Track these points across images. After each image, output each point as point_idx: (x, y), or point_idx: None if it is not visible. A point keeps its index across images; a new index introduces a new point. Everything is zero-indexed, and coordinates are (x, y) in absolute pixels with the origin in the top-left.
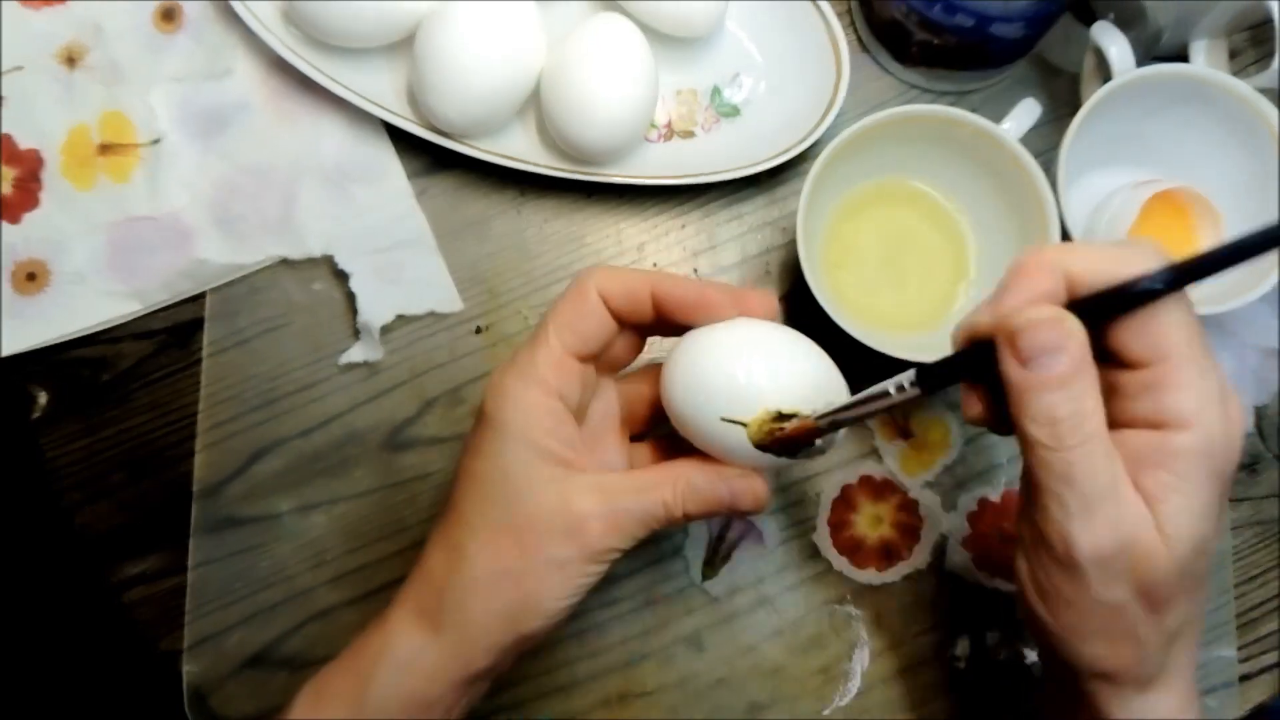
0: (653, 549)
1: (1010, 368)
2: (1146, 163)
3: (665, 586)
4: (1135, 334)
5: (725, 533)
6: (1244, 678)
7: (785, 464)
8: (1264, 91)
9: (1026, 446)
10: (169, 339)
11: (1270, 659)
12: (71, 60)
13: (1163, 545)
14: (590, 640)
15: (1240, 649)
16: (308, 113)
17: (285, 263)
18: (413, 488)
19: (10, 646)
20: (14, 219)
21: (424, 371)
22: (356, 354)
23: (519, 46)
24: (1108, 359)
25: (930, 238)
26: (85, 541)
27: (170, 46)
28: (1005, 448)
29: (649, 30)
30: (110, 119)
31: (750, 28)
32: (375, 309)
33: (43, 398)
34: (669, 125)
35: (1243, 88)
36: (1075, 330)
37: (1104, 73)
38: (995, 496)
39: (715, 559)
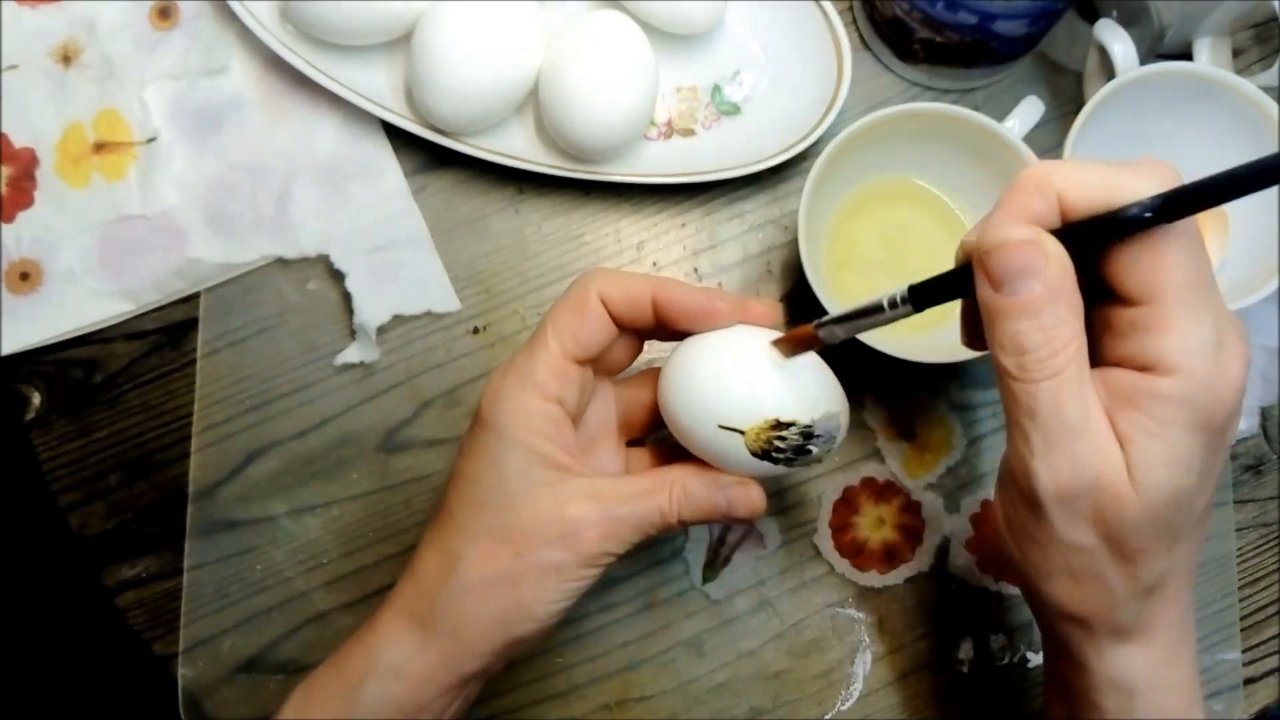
0: (652, 552)
1: (983, 290)
2: None
3: (665, 590)
4: (1130, 268)
5: (726, 535)
6: (1248, 681)
7: (782, 473)
8: (1267, 90)
9: (997, 375)
10: (162, 339)
11: (1274, 662)
12: (67, 58)
13: (1131, 491)
14: (589, 644)
15: (1244, 652)
16: (304, 110)
17: (280, 262)
18: (409, 490)
19: (4, 650)
20: (8, 218)
21: (420, 372)
22: (352, 354)
23: (517, 44)
24: (1109, 293)
25: (933, 236)
26: (79, 544)
27: (166, 44)
28: None
29: (649, 27)
30: (105, 117)
31: (751, 25)
32: (371, 309)
33: (36, 399)
34: (669, 123)
35: (1246, 86)
36: (1054, 254)
37: (1107, 71)
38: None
39: (716, 562)
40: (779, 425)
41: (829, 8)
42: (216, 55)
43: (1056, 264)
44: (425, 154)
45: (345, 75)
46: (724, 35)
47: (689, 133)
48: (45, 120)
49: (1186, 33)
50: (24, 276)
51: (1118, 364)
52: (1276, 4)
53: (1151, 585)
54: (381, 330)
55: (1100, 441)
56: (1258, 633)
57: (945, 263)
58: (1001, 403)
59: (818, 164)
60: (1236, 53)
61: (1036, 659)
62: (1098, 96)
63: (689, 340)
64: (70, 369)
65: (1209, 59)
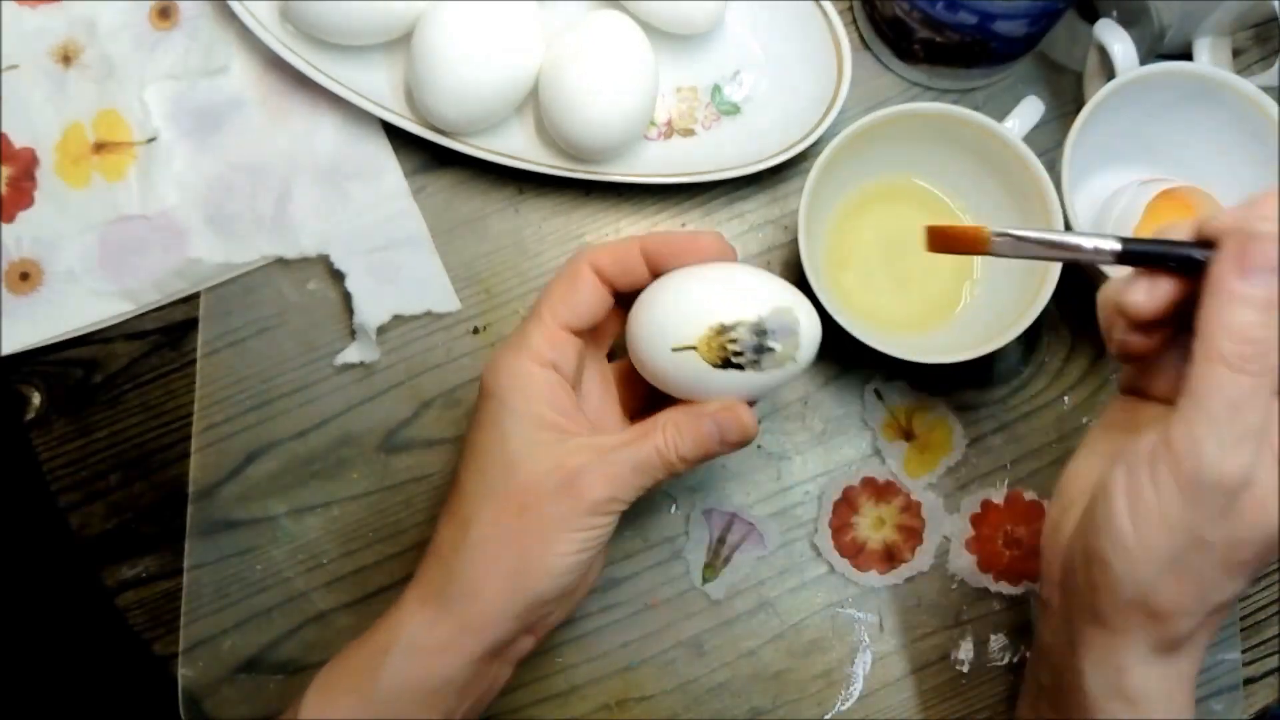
0: (652, 552)
1: (1226, 271)
2: (1150, 161)
3: (665, 590)
4: None
5: (726, 535)
6: (1248, 681)
7: (764, 385)
8: (1267, 90)
9: (1203, 357)
10: (162, 339)
11: (1274, 662)
12: (67, 58)
13: (1274, 505)
14: (589, 644)
15: (1244, 652)
16: (304, 110)
17: (280, 262)
18: (409, 490)
19: (4, 650)
20: (8, 218)
21: (420, 372)
22: (352, 354)
23: (517, 43)
24: None
25: None
26: (79, 544)
27: (166, 44)
28: (1008, 449)
29: (649, 27)
30: (105, 117)
31: (751, 25)
32: (371, 309)
33: (36, 399)
34: (669, 123)
35: (1246, 86)
36: None
37: (1107, 71)
38: (998, 498)
39: (715, 561)
40: (724, 329)
41: (829, 8)
42: (216, 55)
43: None
44: (425, 154)
45: (345, 75)
46: (724, 35)
47: (689, 133)
48: (45, 120)
49: (1186, 33)
50: (24, 276)
51: None
52: (1276, 4)
53: (1223, 604)
54: (381, 330)
55: (1268, 452)
56: (1258, 633)
57: (947, 262)
58: (1186, 382)
59: (818, 164)
60: (1236, 53)
61: None
62: (1098, 96)
63: (647, 286)
64: (70, 369)
65: (1209, 59)
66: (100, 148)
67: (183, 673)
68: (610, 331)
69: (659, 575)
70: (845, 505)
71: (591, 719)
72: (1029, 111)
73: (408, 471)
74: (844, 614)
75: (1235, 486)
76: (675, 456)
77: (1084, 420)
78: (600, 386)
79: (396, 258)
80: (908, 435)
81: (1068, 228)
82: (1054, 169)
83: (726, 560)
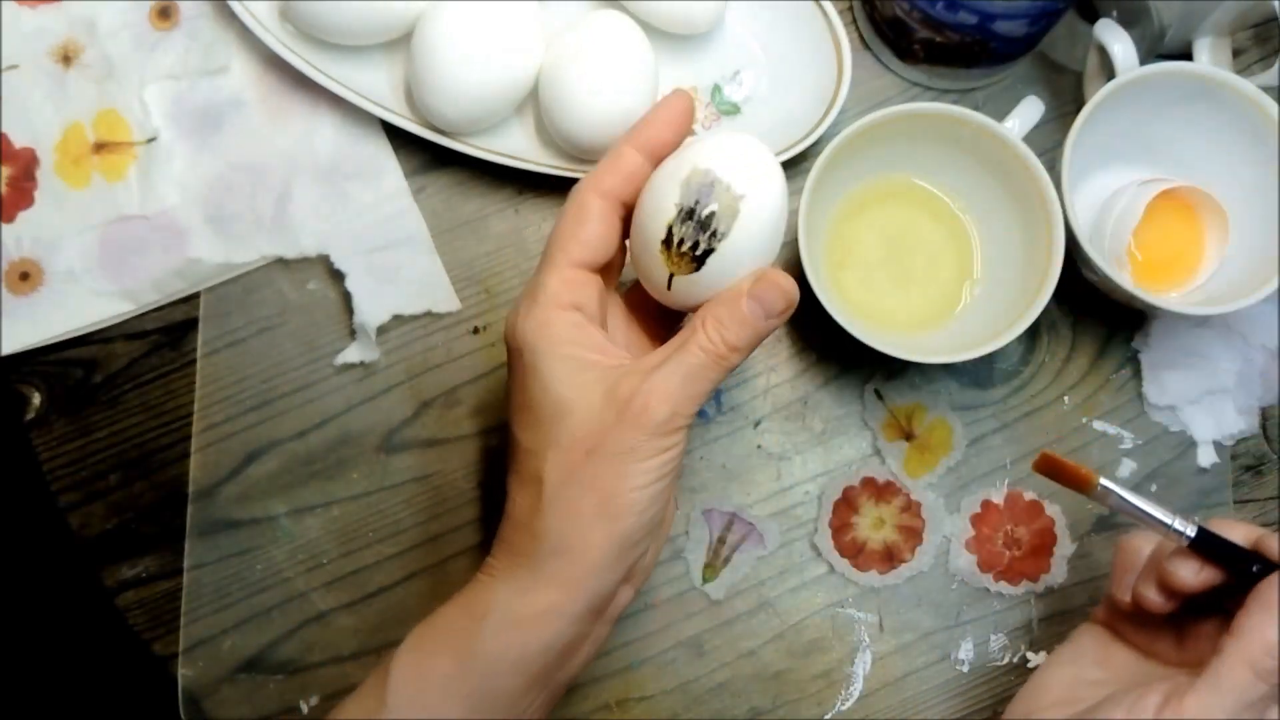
0: None
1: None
2: (1151, 161)
3: (665, 589)
4: None
5: (726, 535)
6: None
7: (750, 244)
8: (1267, 90)
9: (1235, 655)
10: (162, 339)
11: None
12: (67, 58)
13: None
14: None
15: None
16: (303, 110)
17: (280, 262)
18: (409, 490)
19: (4, 650)
20: (8, 218)
21: (420, 372)
22: (352, 354)
23: (517, 43)
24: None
25: (934, 236)
26: (79, 544)
27: (166, 44)
28: (1008, 449)
29: (649, 27)
30: (105, 117)
31: (751, 25)
32: (371, 309)
33: (36, 399)
34: None
35: (1246, 86)
36: None
37: (1107, 71)
38: (998, 498)
39: (715, 561)
40: (669, 238)
41: (829, 8)
42: (216, 55)
43: None
44: (425, 154)
45: (345, 75)
46: (724, 35)
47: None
48: (45, 120)
49: (1186, 33)
50: (24, 276)
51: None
52: (1276, 4)
53: None
54: (381, 330)
55: None
56: None
57: (947, 263)
58: (1213, 665)
59: (818, 164)
60: (1236, 53)
61: (1036, 659)
62: (1098, 96)
63: None
64: (70, 369)
65: (1209, 59)
66: (100, 148)
67: (183, 673)
68: (618, 264)
69: (659, 575)
70: (845, 505)
71: (591, 719)
72: (1029, 111)
73: (408, 471)
74: (844, 614)
75: None
76: (725, 348)
77: (1084, 420)
78: (623, 320)
79: (396, 258)
80: (908, 435)
81: (1068, 227)
82: (1054, 169)
83: (726, 560)
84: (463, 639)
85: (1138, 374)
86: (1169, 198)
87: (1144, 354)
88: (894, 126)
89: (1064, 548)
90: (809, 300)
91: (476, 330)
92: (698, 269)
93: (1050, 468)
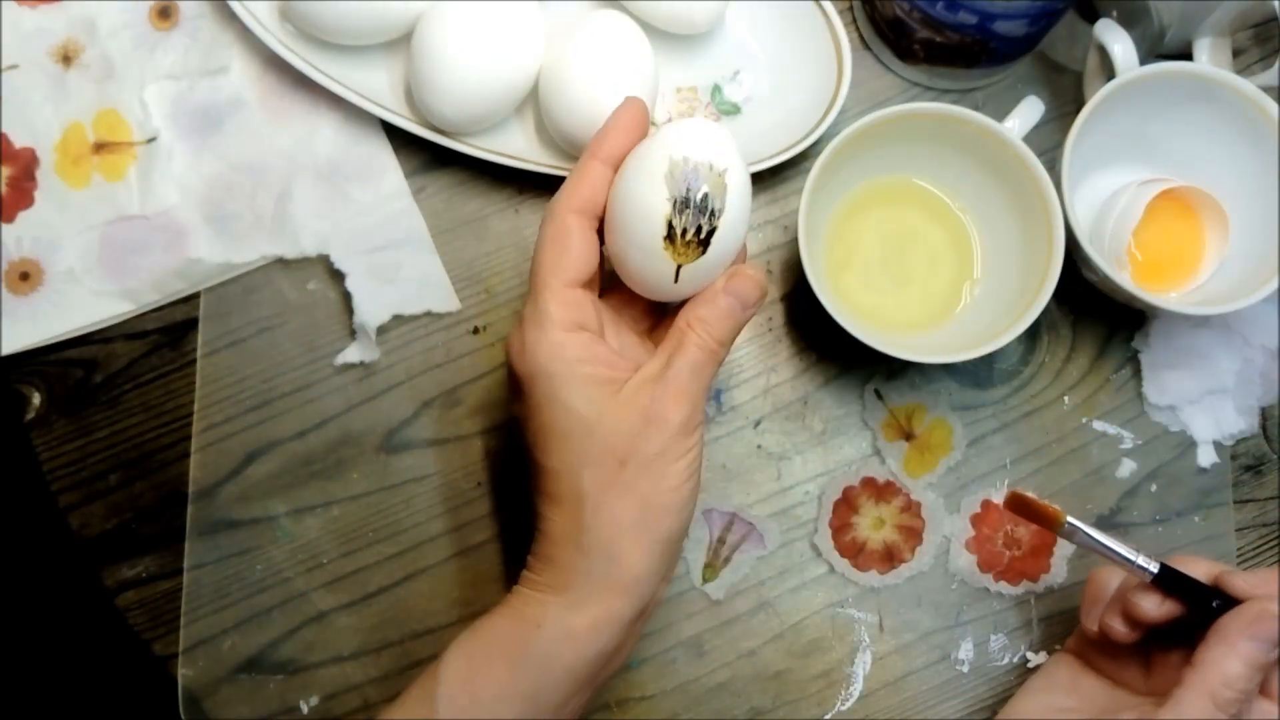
0: None
1: (1237, 631)
2: (1151, 161)
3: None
4: None
5: (726, 535)
6: None
7: (740, 222)
8: (1267, 90)
9: (1197, 685)
10: (162, 339)
11: None
12: (67, 58)
13: None
14: None
15: None
16: (304, 110)
17: (280, 262)
18: (409, 490)
19: (5, 650)
20: (8, 218)
21: (420, 372)
22: (352, 354)
23: (517, 44)
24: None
25: (934, 237)
26: (79, 544)
27: (166, 44)
28: (1008, 449)
29: (649, 27)
30: (105, 117)
31: (751, 25)
32: (371, 309)
33: (36, 399)
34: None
35: (1246, 86)
36: None
37: (1107, 71)
38: (998, 498)
39: (715, 561)
40: (670, 232)
41: (829, 8)
42: (216, 55)
43: None
44: (425, 154)
45: (345, 75)
46: (724, 35)
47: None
48: (45, 120)
49: (1186, 33)
50: (24, 276)
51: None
52: (1276, 4)
53: None
54: (381, 330)
55: None
56: None
57: (947, 263)
58: (1176, 695)
59: (818, 164)
60: (1236, 53)
61: (1036, 659)
62: (1098, 96)
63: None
64: (70, 369)
65: (1209, 59)
66: (100, 148)
67: (183, 673)
68: (599, 276)
69: None
70: (845, 505)
71: (592, 719)
72: (1029, 111)
73: (408, 472)
74: (844, 614)
75: None
76: (715, 344)
77: (1084, 420)
78: (612, 325)
79: (396, 258)
80: (908, 435)
81: (1068, 227)
82: (1054, 169)
83: (726, 560)
84: (517, 646)
85: (1138, 374)
86: (1169, 198)
87: (1144, 354)
88: (894, 127)
89: (1064, 548)
90: (809, 300)
91: (476, 330)
92: (705, 252)
93: (1019, 506)
